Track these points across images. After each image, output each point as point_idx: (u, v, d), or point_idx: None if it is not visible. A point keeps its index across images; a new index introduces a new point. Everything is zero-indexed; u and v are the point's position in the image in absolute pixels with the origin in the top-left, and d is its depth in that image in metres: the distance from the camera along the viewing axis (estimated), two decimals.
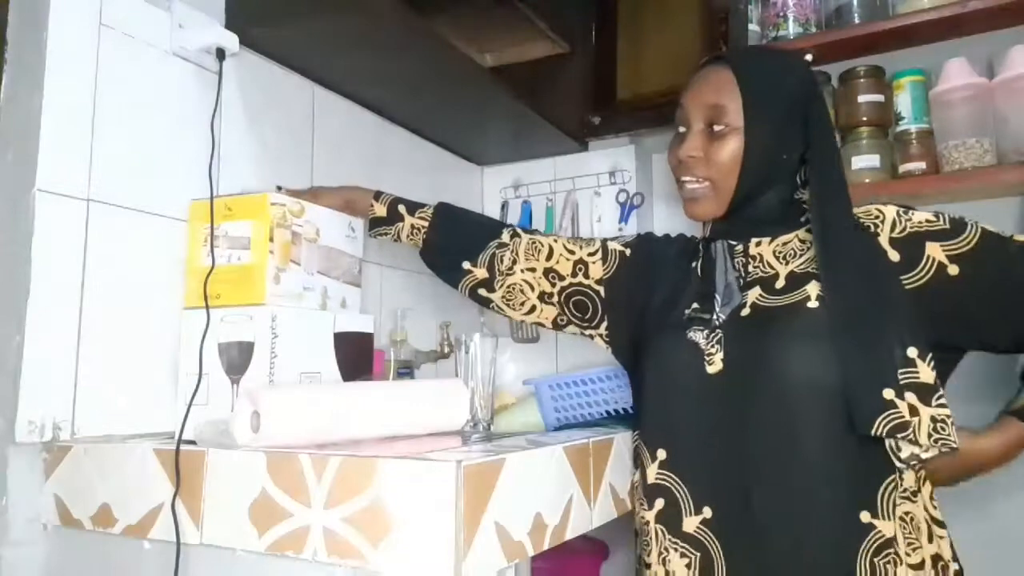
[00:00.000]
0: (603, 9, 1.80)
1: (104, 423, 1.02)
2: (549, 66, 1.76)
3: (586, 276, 1.17)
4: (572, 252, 1.19)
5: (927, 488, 0.96)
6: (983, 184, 1.40)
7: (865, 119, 1.52)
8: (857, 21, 1.53)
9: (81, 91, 1.02)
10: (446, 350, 1.66)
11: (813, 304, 0.95)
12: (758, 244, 1.05)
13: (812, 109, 1.02)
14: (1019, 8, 1.39)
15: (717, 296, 1.05)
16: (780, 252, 1.03)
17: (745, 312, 1.00)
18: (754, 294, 1.01)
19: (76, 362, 0.99)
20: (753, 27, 1.64)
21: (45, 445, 0.96)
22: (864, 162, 1.50)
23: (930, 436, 0.88)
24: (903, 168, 1.48)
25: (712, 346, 0.99)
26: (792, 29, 1.60)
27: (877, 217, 1.00)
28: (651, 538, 1.00)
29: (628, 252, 1.18)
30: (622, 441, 1.09)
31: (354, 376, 1.09)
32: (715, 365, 0.98)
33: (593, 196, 1.82)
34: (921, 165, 1.46)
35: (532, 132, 1.73)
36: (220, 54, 1.19)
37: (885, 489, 0.90)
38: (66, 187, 1.00)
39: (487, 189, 2.00)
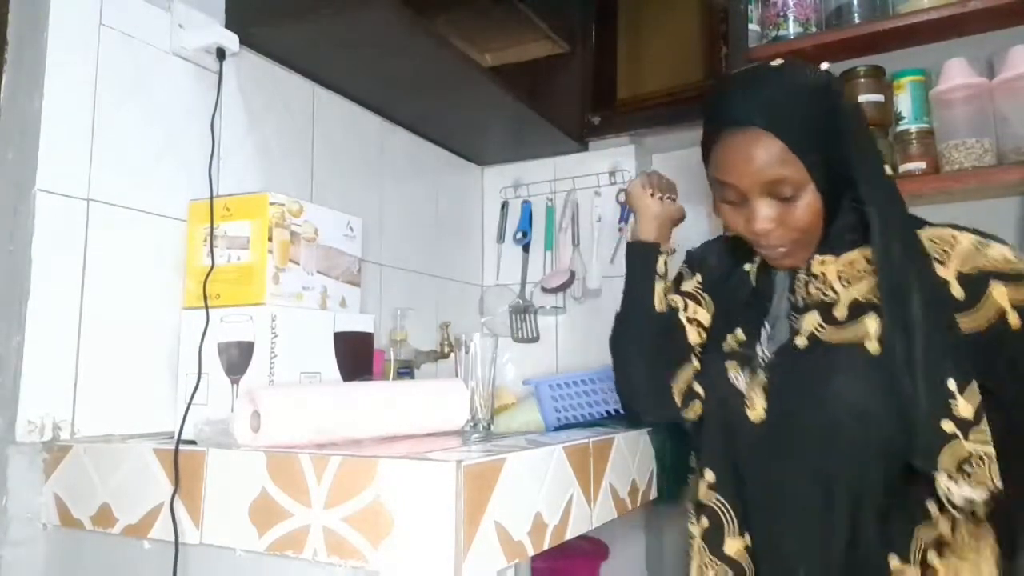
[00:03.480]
0: (603, 9, 1.80)
1: (104, 423, 1.02)
2: (549, 66, 1.76)
3: (702, 328, 1.11)
4: (689, 322, 1.11)
5: (979, 551, 0.91)
6: (983, 184, 1.40)
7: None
8: (857, 21, 1.53)
9: (81, 91, 1.02)
10: (446, 350, 1.66)
11: (873, 346, 0.90)
12: (823, 262, 0.97)
13: (845, 124, 0.93)
14: (1019, 8, 1.39)
15: (766, 326, 1.00)
16: (844, 274, 0.96)
17: (800, 342, 0.95)
18: (812, 322, 0.95)
19: (76, 362, 0.99)
20: (753, 27, 1.64)
21: (45, 445, 0.96)
22: None
23: (988, 473, 0.84)
24: (903, 168, 1.48)
25: (754, 389, 0.96)
26: (792, 29, 1.60)
27: (949, 244, 0.93)
28: (694, 551, 1.01)
29: (699, 277, 1.14)
30: (622, 441, 1.09)
31: (354, 376, 1.09)
32: (756, 411, 0.96)
33: (593, 196, 1.82)
34: (921, 165, 1.46)
35: (532, 132, 1.73)
36: (220, 54, 1.19)
37: (916, 536, 0.88)
38: (66, 187, 1.00)
39: (487, 189, 2.00)
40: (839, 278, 0.97)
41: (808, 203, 0.91)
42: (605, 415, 1.27)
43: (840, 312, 0.94)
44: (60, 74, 0.99)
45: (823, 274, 0.97)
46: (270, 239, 1.01)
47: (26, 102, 0.99)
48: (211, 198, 1.06)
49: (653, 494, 1.17)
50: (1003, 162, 1.38)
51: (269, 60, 1.33)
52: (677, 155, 1.87)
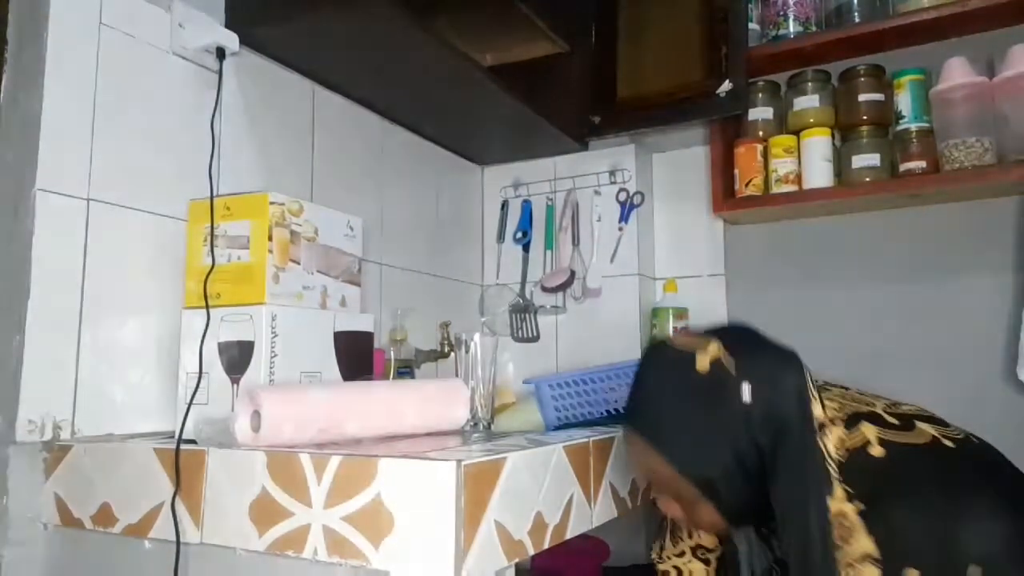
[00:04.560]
0: (603, 9, 1.80)
1: (104, 423, 1.02)
2: (549, 66, 1.76)
3: None
4: None
5: None
6: (983, 183, 1.40)
7: (865, 118, 1.53)
8: (857, 20, 1.53)
9: (81, 91, 1.02)
10: (446, 349, 1.66)
11: None
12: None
13: (749, 426, 0.84)
14: (1019, 8, 1.39)
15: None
16: None
17: None
18: None
19: (76, 362, 0.99)
20: (753, 26, 1.65)
21: (45, 445, 0.96)
22: (864, 161, 1.51)
23: None
24: (903, 167, 1.48)
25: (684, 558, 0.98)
26: (792, 28, 1.60)
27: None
28: None
29: None
30: (622, 441, 1.09)
31: (354, 376, 1.09)
32: None
33: (593, 196, 1.82)
34: (921, 164, 1.46)
35: (532, 132, 1.73)
36: (220, 54, 1.19)
37: None
38: (66, 187, 1.00)
39: (487, 189, 2.00)
40: None
41: (701, 511, 0.88)
42: (605, 415, 1.27)
43: None
44: (60, 74, 0.99)
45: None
46: (270, 239, 1.01)
47: (26, 102, 0.99)
48: (211, 198, 1.06)
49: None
50: (1003, 161, 1.39)
51: (269, 60, 1.33)
52: (677, 154, 1.87)
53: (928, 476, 0.82)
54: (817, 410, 0.86)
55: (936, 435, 0.87)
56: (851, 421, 0.88)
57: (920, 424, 0.88)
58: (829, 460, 0.84)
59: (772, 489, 0.83)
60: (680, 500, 0.90)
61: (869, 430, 0.86)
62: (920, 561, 0.76)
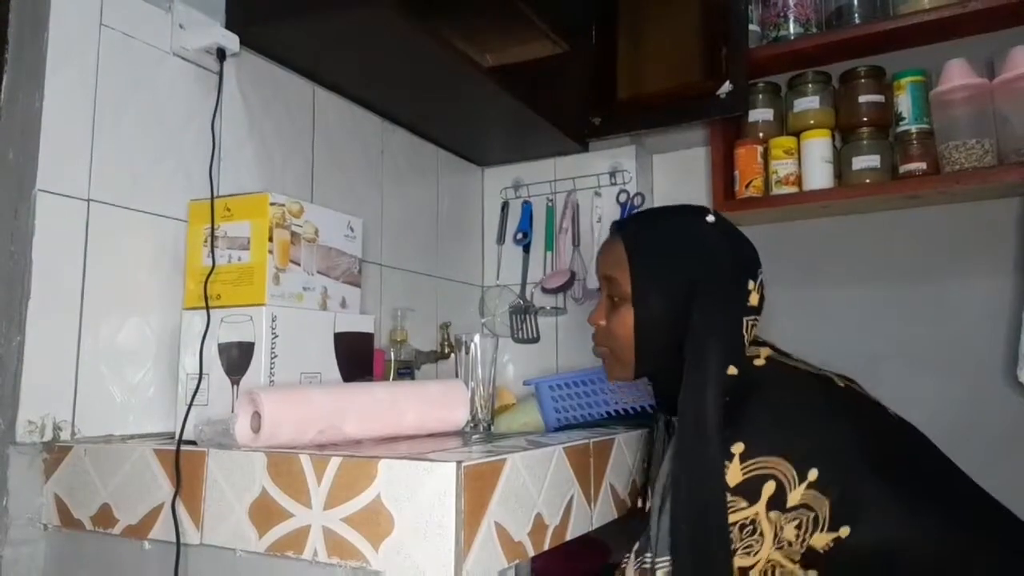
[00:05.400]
0: (603, 9, 1.80)
1: (104, 423, 1.02)
2: (549, 66, 1.76)
3: None
4: None
5: None
6: (983, 184, 1.40)
7: (865, 119, 1.52)
8: (857, 21, 1.53)
9: (81, 91, 1.02)
10: (446, 350, 1.66)
11: None
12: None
13: (697, 274, 0.95)
14: (1019, 8, 1.39)
15: (650, 491, 1.03)
16: None
17: None
18: None
19: (76, 362, 0.99)
20: (753, 27, 1.64)
21: (45, 445, 0.96)
22: (864, 162, 1.50)
23: None
24: (903, 168, 1.48)
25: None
26: (792, 29, 1.60)
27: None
28: None
29: None
30: (622, 441, 1.09)
31: (354, 376, 1.09)
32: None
33: (593, 196, 1.82)
34: (921, 165, 1.46)
35: (532, 132, 1.73)
36: (220, 54, 1.19)
37: None
38: (66, 187, 1.00)
39: (487, 189, 2.00)
40: None
41: (625, 319, 0.99)
42: (605, 415, 1.27)
43: None
44: (60, 74, 0.99)
45: None
46: (270, 239, 1.01)
47: (26, 102, 0.99)
48: (211, 198, 1.06)
49: None
50: (1003, 162, 1.39)
51: (269, 60, 1.33)
52: (677, 155, 1.87)
53: (791, 385, 0.93)
54: (753, 298, 0.97)
55: (830, 375, 0.96)
56: (759, 342, 0.99)
57: (823, 371, 0.98)
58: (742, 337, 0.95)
59: (686, 338, 0.92)
60: (612, 304, 1.02)
61: (765, 351, 0.97)
62: (776, 451, 0.84)
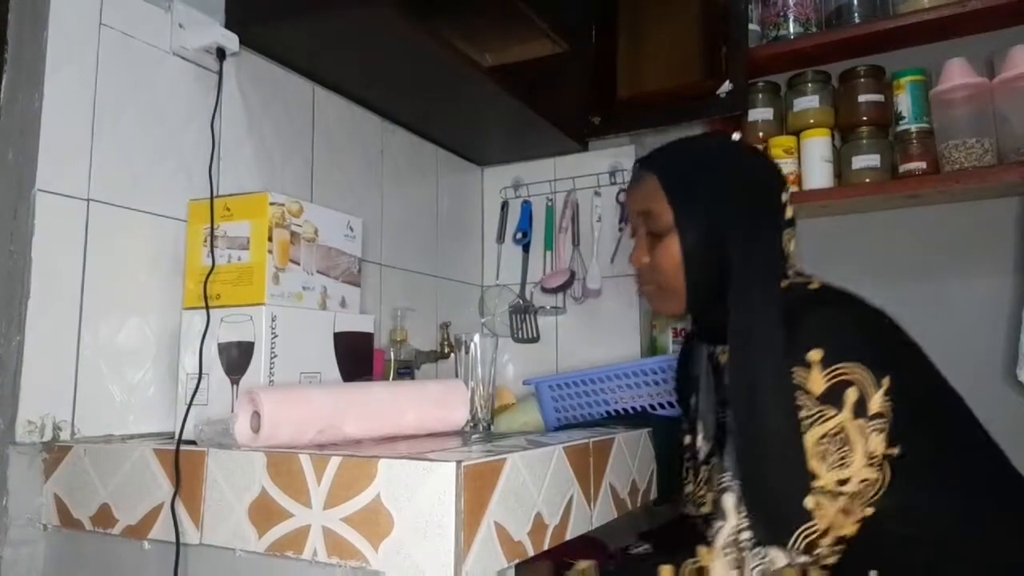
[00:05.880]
0: (603, 9, 1.80)
1: (104, 423, 1.02)
2: (549, 66, 1.76)
3: None
4: None
5: None
6: (983, 184, 1.40)
7: (865, 119, 1.53)
8: (857, 21, 1.53)
9: (81, 91, 1.02)
10: (446, 350, 1.66)
11: None
12: (724, 352, 0.97)
13: (735, 191, 0.96)
14: (1019, 8, 1.39)
15: (700, 425, 1.04)
16: None
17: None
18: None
19: (76, 362, 0.99)
20: (753, 27, 1.65)
21: (45, 445, 0.96)
22: (864, 162, 1.51)
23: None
24: (903, 168, 1.48)
25: (700, 488, 1.01)
26: (792, 29, 1.60)
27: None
28: None
29: None
30: (622, 441, 1.09)
31: (354, 376, 1.09)
32: (708, 507, 0.98)
33: (593, 196, 1.82)
34: (921, 165, 1.46)
35: (532, 132, 1.73)
36: (220, 54, 1.19)
37: None
38: (66, 187, 1.00)
39: (487, 189, 2.00)
40: None
41: (671, 250, 0.97)
42: (605, 415, 1.27)
43: None
44: (60, 74, 0.99)
45: (725, 365, 0.97)
46: (270, 239, 1.01)
47: (26, 102, 0.99)
48: (211, 198, 1.06)
49: (653, 494, 1.17)
50: (1003, 162, 1.39)
51: (269, 60, 1.33)
52: None
53: (856, 300, 0.94)
54: (788, 210, 0.99)
55: (885, 313, 0.97)
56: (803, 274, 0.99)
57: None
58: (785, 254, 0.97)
59: (732, 255, 0.92)
60: (652, 240, 0.99)
61: (815, 280, 0.97)
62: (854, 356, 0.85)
